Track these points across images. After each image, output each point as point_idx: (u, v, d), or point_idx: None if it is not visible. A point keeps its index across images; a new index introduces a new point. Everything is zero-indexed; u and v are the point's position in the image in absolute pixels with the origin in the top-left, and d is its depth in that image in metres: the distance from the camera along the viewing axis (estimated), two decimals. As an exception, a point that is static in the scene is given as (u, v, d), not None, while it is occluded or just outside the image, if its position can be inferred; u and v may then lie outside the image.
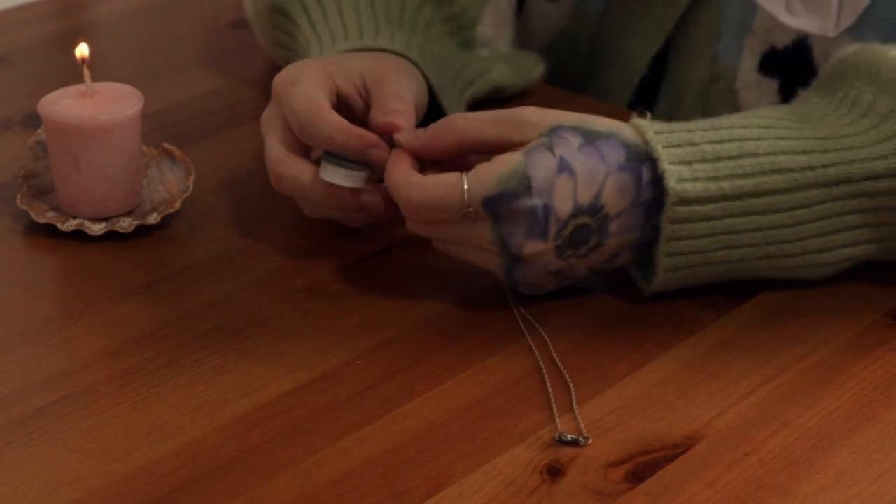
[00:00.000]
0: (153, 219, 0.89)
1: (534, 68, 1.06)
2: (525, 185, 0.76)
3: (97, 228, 0.88)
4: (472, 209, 0.77)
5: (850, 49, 0.85)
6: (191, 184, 0.91)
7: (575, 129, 0.78)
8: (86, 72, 0.89)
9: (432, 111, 0.93)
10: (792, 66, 0.95)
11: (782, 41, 0.96)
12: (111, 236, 0.88)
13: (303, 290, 0.84)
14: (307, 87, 0.85)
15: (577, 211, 0.77)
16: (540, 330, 0.80)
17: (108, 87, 0.90)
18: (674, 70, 1.03)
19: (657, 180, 0.78)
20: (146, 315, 0.82)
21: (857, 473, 0.69)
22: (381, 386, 0.76)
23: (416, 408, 0.74)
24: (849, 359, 0.78)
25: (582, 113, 0.80)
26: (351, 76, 0.88)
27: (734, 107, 0.99)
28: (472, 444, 0.71)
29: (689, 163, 0.77)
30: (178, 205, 0.90)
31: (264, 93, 1.05)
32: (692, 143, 0.78)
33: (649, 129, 0.79)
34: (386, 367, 0.77)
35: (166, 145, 0.95)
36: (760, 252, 0.79)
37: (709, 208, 0.77)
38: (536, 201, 0.76)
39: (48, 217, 0.89)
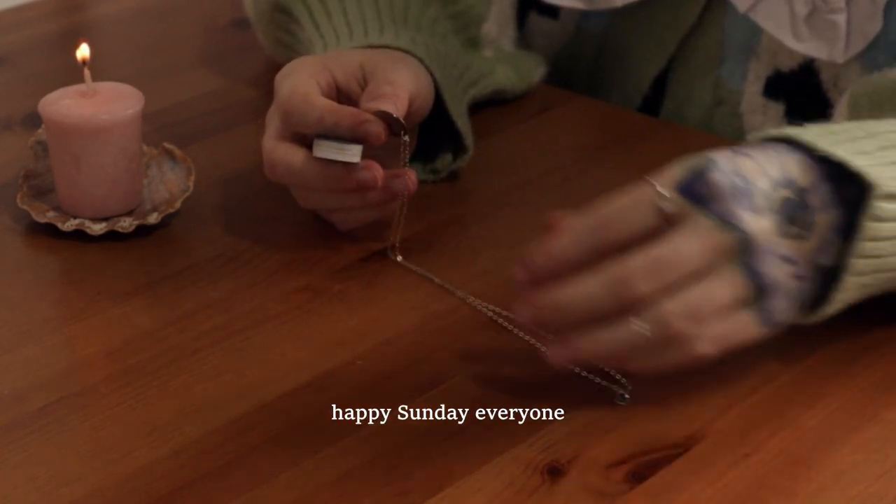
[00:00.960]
0: (153, 219, 0.89)
1: (534, 70, 1.06)
2: (712, 162, 0.69)
3: (97, 228, 0.88)
4: (667, 201, 0.68)
5: (848, 56, 0.84)
6: (191, 184, 0.91)
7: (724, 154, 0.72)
8: (86, 72, 0.89)
9: (435, 107, 0.93)
10: (799, 90, 0.94)
11: (788, 65, 0.96)
12: (111, 236, 0.89)
13: (303, 290, 0.84)
14: (297, 77, 0.86)
15: (773, 183, 0.70)
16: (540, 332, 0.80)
17: (108, 87, 0.90)
18: (676, 92, 1.03)
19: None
20: (146, 315, 0.82)
21: (857, 473, 0.69)
22: (381, 386, 0.76)
23: (416, 408, 0.74)
24: (849, 359, 0.78)
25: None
26: (350, 69, 0.88)
27: (739, 131, 0.99)
28: (472, 444, 0.71)
29: (874, 165, 0.71)
30: (178, 205, 0.90)
31: (264, 93, 1.05)
32: (864, 152, 0.72)
33: (810, 136, 0.72)
34: (386, 367, 0.77)
35: (166, 145, 0.95)
36: None
37: None
38: (732, 176, 0.68)
39: (48, 217, 0.89)
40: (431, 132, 0.93)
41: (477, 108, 1.01)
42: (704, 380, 0.76)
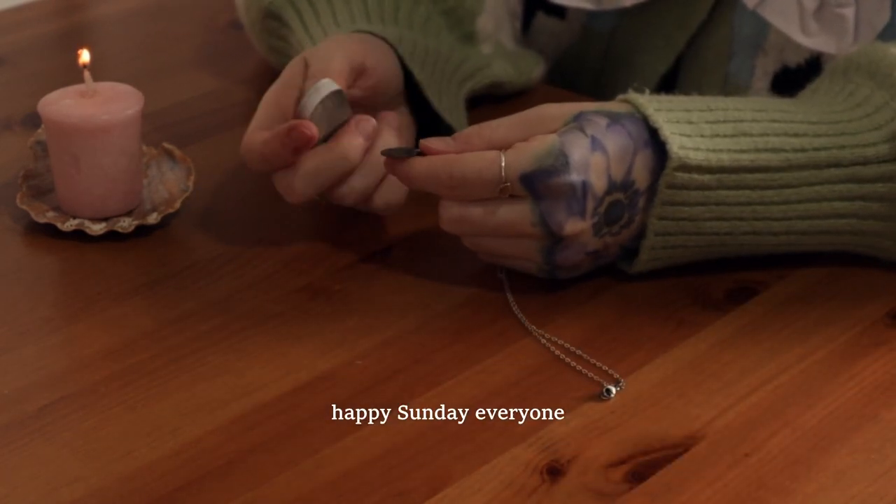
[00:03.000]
0: (153, 219, 0.89)
1: (534, 67, 1.06)
2: (563, 162, 0.78)
3: (97, 228, 0.88)
4: (508, 184, 0.78)
5: (855, 48, 0.86)
6: (191, 184, 0.91)
7: (598, 112, 0.80)
8: (86, 72, 0.89)
9: (422, 106, 0.93)
10: (806, 85, 0.95)
11: (795, 60, 0.96)
12: (111, 236, 0.89)
13: (303, 290, 0.84)
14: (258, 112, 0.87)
15: (612, 188, 0.79)
16: (539, 331, 0.80)
17: (108, 87, 0.90)
18: (684, 89, 1.03)
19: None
20: (146, 315, 0.82)
21: (857, 473, 0.69)
22: (381, 386, 0.76)
23: (416, 408, 0.74)
24: (849, 359, 0.78)
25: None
26: (345, 55, 0.89)
27: None
28: (472, 444, 0.71)
29: (689, 136, 0.80)
30: (178, 205, 0.90)
31: (264, 93, 1.05)
32: (690, 122, 0.80)
33: (648, 106, 0.81)
34: (386, 367, 0.77)
35: (166, 145, 0.95)
36: (748, 227, 0.81)
37: (705, 178, 0.80)
38: (575, 178, 0.78)
39: (48, 217, 0.89)
40: (428, 132, 0.93)
41: (478, 108, 1.01)
42: (704, 380, 0.76)
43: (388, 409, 0.74)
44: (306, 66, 0.87)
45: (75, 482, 0.69)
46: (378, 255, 0.88)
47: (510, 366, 0.77)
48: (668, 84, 1.04)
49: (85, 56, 0.90)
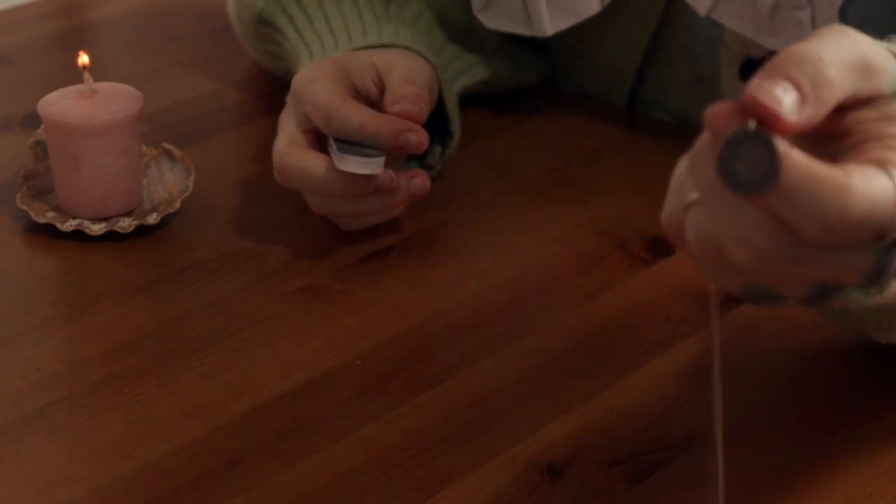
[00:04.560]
0: (153, 219, 0.89)
1: (530, 65, 1.06)
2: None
3: (97, 228, 0.88)
4: None
5: None
6: (191, 184, 0.91)
7: None
8: (86, 73, 0.89)
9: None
10: None
11: (759, 52, 0.95)
12: (111, 236, 0.88)
13: (303, 290, 0.84)
14: (326, 81, 0.86)
15: None
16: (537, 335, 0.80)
17: (108, 87, 0.90)
18: (657, 75, 1.02)
19: None
20: (146, 315, 0.82)
21: (858, 473, 0.69)
22: (381, 386, 0.76)
23: (416, 408, 0.74)
24: (849, 359, 0.78)
25: None
26: (365, 70, 0.89)
27: None
28: (473, 444, 0.71)
29: None
30: (177, 205, 0.90)
31: (264, 93, 1.05)
32: None
33: None
34: (386, 367, 0.77)
35: (166, 145, 0.95)
36: None
37: None
38: None
39: (48, 217, 0.89)
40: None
41: (477, 107, 1.01)
42: (705, 380, 0.76)
43: (388, 410, 0.74)
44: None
45: (75, 482, 0.69)
46: (378, 254, 0.88)
47: (511, 366, 0.77)
48: (641, 75, 1.03)
49: (84, 58, 0.90)
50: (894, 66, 0.55)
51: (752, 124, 0.50)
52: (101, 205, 0.89)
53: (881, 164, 0.52)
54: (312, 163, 0.85)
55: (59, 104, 0.89)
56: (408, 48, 0.92)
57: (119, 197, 0.89)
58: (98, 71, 0.91)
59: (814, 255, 0.53)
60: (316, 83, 0.87)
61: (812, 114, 0.52)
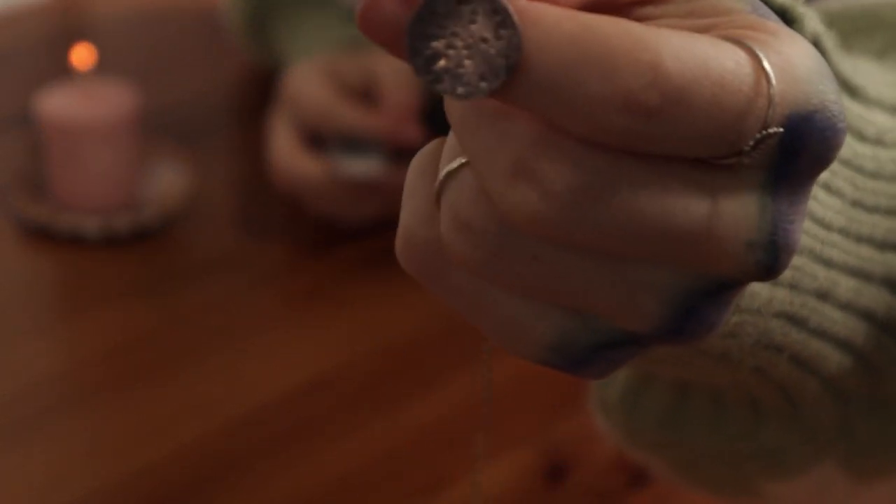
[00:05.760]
0: (152, 219, 0.89)
1: None
2: (838, 107, 0.34)
3: (95, 228, 0.88)
4: (772, 131, 0.32)
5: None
6: (190, 184, 0.91)
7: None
8: (85, 72, 0.89)
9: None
10: None
11: None
12: (110, 236, 0.88)
13: (302, 291, 0.84)
14: (319, 83, 0.86)
15: None
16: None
17: (107, 86, 0.90)
18: None
19: None
20: (146, 315, 0.82)
21: None
22: (381, 386, 0.76)
23: (416, 408, 0.74)
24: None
25: None
26: (356, 66, 0.89)
27: None
28: (473, 444, 0.71)
29: None
30: (177, 205, 0.90)
31: (264, 93, 1.05)
32: None
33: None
34: (386, 367, 0.77)
35: (166, 145, 0.95)
36: None
37: None
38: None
39: (45, 217, 0.89)
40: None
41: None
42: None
43: (388, 410, 0.74)
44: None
45: (75, 482, 0.69)
46: (378, 254, 0.88)
47: (512, 367, 0.77)
48: None
49: (83, 55, 0.90)
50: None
51: None
52: (100, 204, 0.89)
53: (727, 38, 0.33)
54: (310, 168, 0.85)
55: (57, 103, 0.89)
56: None
57: (117, 196, 0.89)
58: (97, 70, 0.91)
59: (649, 185, 0.32)
60: (308, 83, 0.87)
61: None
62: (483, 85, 0.30)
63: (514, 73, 0.30)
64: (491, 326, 0.35)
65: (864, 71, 0.45)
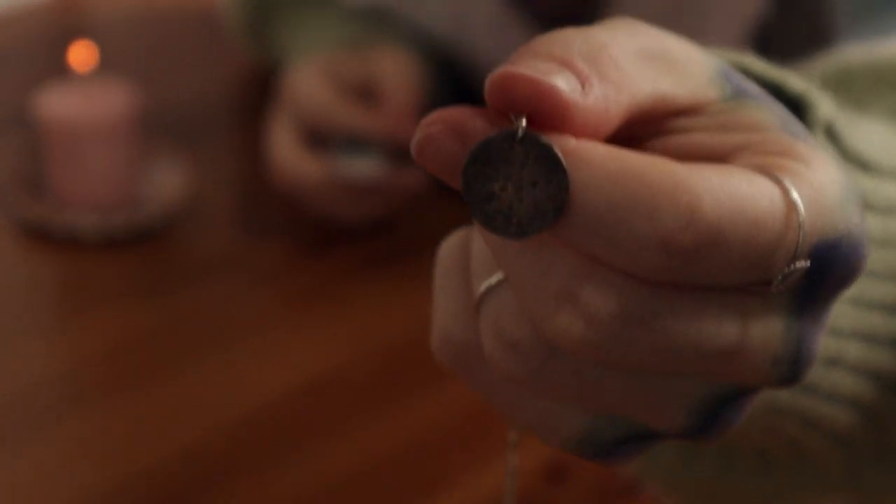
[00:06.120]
0: (152, 219, 0.89)
1: None
2: (863, 229, 0.35)
3: (95, 228, 0.88)
4: (801, 264, 0.33)
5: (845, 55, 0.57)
6: (190, 184, 0.91)
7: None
8: (85, 72, 0.89)
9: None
10: None
11: None
12: (109, 236, 0.88)
13: (302, 291, 0.84)
14: (319, 83, 0.86)
15: None
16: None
17: (107, 86, 0.90)
18: None
19: None
20: (146, 315, 0.82)
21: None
22: (380, 387, 0.76)
23: (416, 409, 0.74)
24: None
25: None
26: (356, 66, 0.89)
27: None
28: (473, 446, 0.71)
29: None
30: (177, 205, 0.90)
31: (264, 93, 1.05)
32: None
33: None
34: (386, 367, 0.77)
35: (166, 145, 0.95)
36: None
37: None
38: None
39: (45, 217, 0.89)
40: None
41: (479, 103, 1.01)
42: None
43: (388, 410, 0.74)
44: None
45: (75, 482, 0.69)
46: (377, 254, 0.88)
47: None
48: None
49: (82, 55, 0.90)
50: (713, 61, 0.37)
51: (520, 123, 0.32)
52: (99, 204, 0.89)
53: (760, 170, 0.34)
54: (310, 168, 0.85)
55: (57, 103, 0.89)
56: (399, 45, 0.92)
57: (117, 196, 0.89)
58: (98, 70, 0.91)
59: (686, 312, 0.33)
60: (308, 83, 0.87)
61: (601, 100, 0.33)
62: (533, 226, 0.32)
63: (562, 215, 0.32)
64: (522, 421, 0.37)
65: (880, 138, 0.46)
